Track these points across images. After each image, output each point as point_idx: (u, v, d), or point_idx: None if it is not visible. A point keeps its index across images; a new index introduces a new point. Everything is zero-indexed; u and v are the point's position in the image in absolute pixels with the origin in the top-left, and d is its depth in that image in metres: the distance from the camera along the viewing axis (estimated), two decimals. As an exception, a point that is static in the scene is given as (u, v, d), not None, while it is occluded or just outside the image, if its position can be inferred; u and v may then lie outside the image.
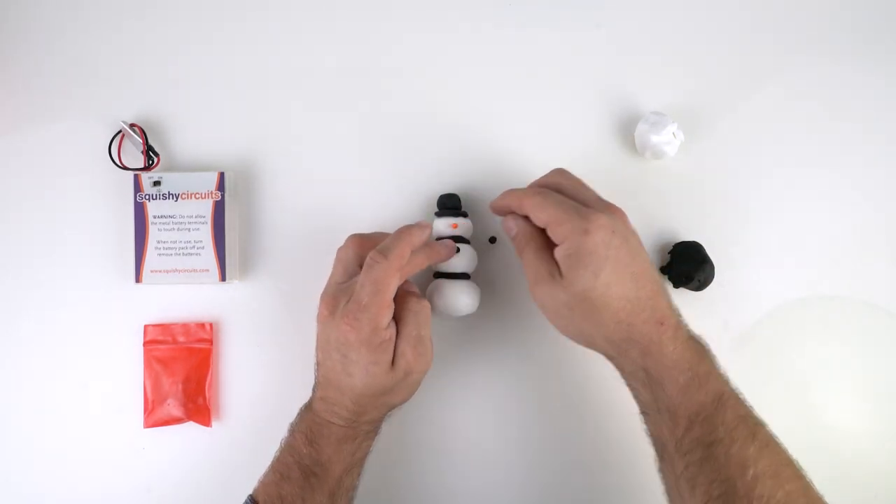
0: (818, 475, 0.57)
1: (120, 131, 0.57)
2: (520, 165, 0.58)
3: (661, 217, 0.58)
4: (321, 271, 0.57)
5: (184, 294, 0.58)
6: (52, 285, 0.57)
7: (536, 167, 0.58)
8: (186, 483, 0.57)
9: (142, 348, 0.57)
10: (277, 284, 0.58)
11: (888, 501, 0.56)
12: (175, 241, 0.56)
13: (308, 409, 0.51)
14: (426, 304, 0.50)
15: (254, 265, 0.58)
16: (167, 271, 0.56)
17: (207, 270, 0.56)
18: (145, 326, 0.57)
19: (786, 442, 0.57)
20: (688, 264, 0.55)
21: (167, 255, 0.56)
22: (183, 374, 0.56)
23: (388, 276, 0.47)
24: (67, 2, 0.59)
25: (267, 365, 0.58)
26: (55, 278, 0.57)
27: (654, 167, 0.58)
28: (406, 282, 0.51)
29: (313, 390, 0.51)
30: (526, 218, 0.49)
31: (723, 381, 0.46)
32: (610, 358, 0.49)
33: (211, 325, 0.57)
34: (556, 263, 0.46)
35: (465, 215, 0.56)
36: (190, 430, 0.57)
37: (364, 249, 0.50)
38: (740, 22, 0.60)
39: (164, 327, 0.57)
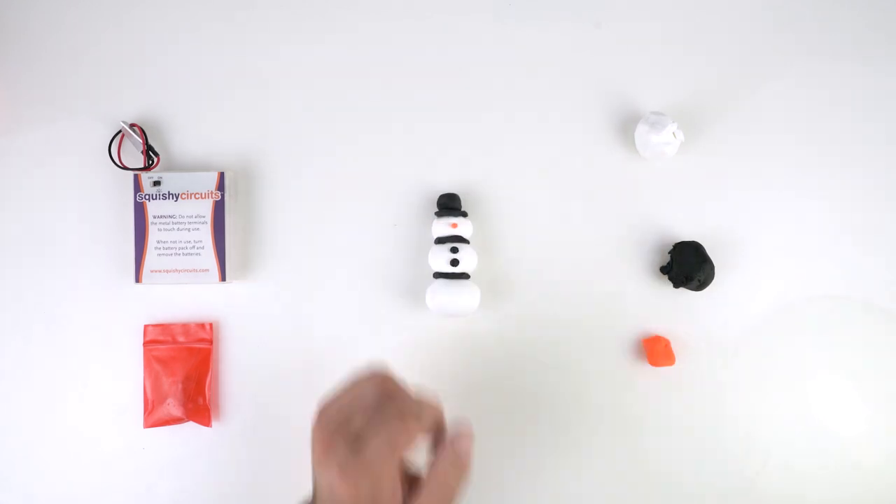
0: (818, 475, 0.57)
1: (120, 131, 0.57)
2: (520, 165, 0.59)
3: (661, 217, 0.58)
4: (321, 271, 0.58)
5: (184, 294, 0.58)
6: (51, 285, 0.57)
7: (536, 167, 0.59)
8: (186, 483, 0.57)
9: (142, 348, 0.57)
10: (277, 284, 0.58)
11: (888, 501, 0.56)
12: (175, 241, 0.56)
13: None
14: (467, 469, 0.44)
15: (254, 265, 0.58)
16: (167, 271, 0.56)
17: (207, 270, 0.56)
18: (145, 326, 0.57)
19: (785, 442, 0.57)
20: (688, 264, 0.55)
21: (167, 255, 0.56)
22: (183, 373, 0.56)
23: (412, 437, 0.42)
24: (67, 1, 0.59)
25: (267, 365, 0.57)
26: (55, 278, 0.57)
27: (654, 167, 0.58)
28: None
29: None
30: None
31: None
32: None
33: (211, 325, 0.57)
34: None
35: (464, 215, 0.56)
36: (190, 430, 0.57)
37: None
38: (740, 22, 0.60)
39: (164, 327, 0.57)
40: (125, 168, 0.57)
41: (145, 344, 0.57)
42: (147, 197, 0.56)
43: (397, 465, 0.42)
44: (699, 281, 0.55)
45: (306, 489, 0.44)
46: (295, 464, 0.54)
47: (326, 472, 0.41)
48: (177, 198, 0.56)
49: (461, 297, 0.54)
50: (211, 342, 0.57)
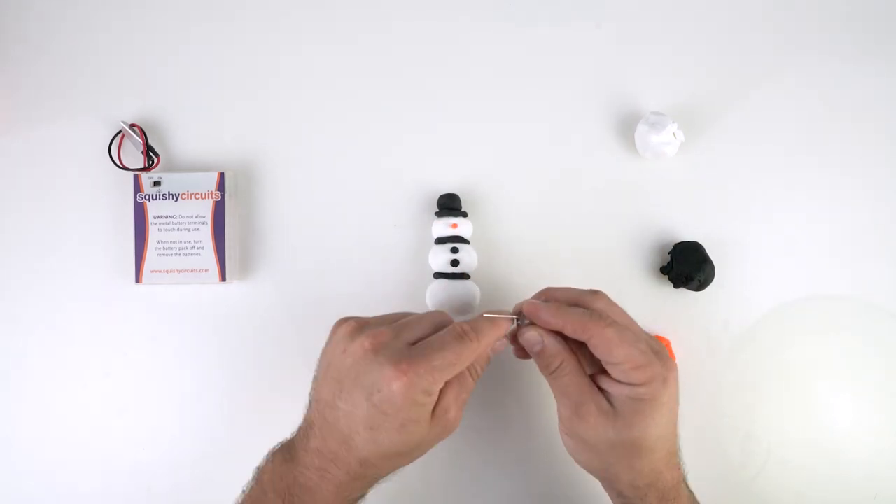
0: (818, 475, 0.57)
1: (120, 131, 0.57)
2: (520, 165, 0.59)
3: (661, 217, 0.58)
4: (321, 271, 0.58)
5: (184, 294, 0.58)
6: (51, 285, 0.57)
7: (536, 167, 0.59)
8: (186, 483, 0.57)
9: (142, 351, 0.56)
10: (277, 284, 0.58)
11: (888, 501, 0.56)
12: (175, 241, 0.56)
13: (289, 460, 0.43)
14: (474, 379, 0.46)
15: (254, 265, 0.58)
16: (167, 271, 0.56)
17: (207, 270, 0.56)
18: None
19: (785, 442, 0.57)
20: (688, 264, 0.55)
21: (167, 255, 0.56)
22: None
23: (471, 358, 0.43)
24: (67, 1, 0.59)
25: (267, 365, 0.57)
26: (55, 279, 0.57)
27: (654, 167, 0.58)
28: None
29: (300, 435, 0.44)
30: (557, 334, 0.45)
31: None
32: (618, 496, 0.46)
33: None
34: (601, 394, 0.44)
35: (465, 215, 0.56)
36: (190, 429, 0.57)
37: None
38: (740, 21, 0.60)
39: None
40: (125, 168, 0.57)
41: None
42: (147, 197, 0.56)
43: (451, 377, 0.42)
44: (699, 281, 0.55)
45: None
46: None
47: (377, 370, 0.40)
48: (177, 198, 0.56)
49: (461, 297, 0.54)
50: None
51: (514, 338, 0.48)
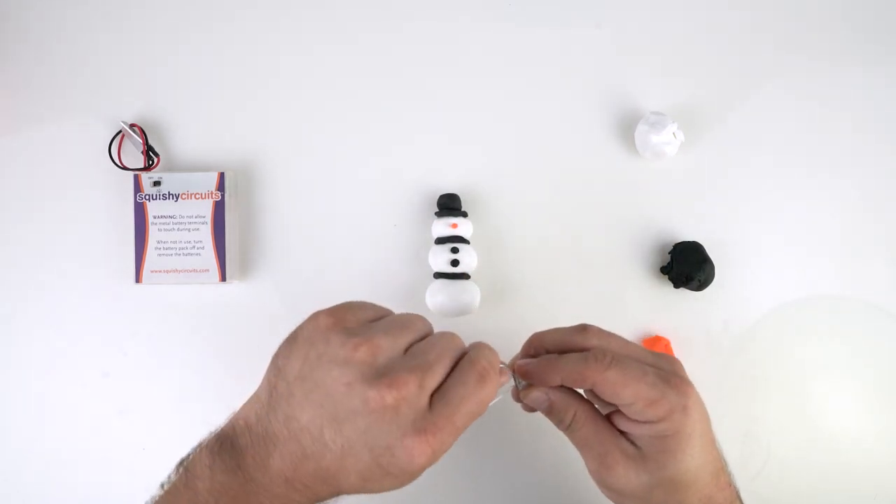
0: (818, 475, 0.57)
1: (120, 131, 0.57)
2: (520, 165, 0.59)
3: (661, 217, 0.58)
4: (321, 271, 0.58)
5: (184, 294, 0.58)
6: (51, 285, 0.57)
7: (536, 167, 0.59)
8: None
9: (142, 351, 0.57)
10: (277, 284, 0.58)
11: (888, 501, 0.56)
12: (175, 241, 0.56)
13: (236, 471, 0.36)
14: None
15: (254, 265, 0.58)
16: (167, 271, 0.56)
17: (207, 270, 0.56)
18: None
19: (786, 442, 0.57)
20: (688, 264, 0.55)
21: (167, 255, 0.56)
22: None
23: (489, 400, 0.38)
24: (68, 1, 0.59)
25: (267, 365, 0.57)
26: (55, 278, 0.57)
27: (654, 167, 0.58)
28: None
29: (252, 444, 0.36)
30: (561, 386, 0.42)
31: None
32: None
33: None
34: (623, 437, 0.41)
35: (465, 215, 0.56)
36: (190, 429, 0.57)
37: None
38: (740, 22, 0.60)
39: None
40: (125, 168, 0.57)
41: None
42: (147, 197, 0.56)
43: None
44: (699, 281, 0.55)
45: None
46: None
47: (389, 433, 0.34)
48: (177, 198, 0.56)
49: (461, 297, 0.54)
50: None
51: (517, 396, 0.45)
